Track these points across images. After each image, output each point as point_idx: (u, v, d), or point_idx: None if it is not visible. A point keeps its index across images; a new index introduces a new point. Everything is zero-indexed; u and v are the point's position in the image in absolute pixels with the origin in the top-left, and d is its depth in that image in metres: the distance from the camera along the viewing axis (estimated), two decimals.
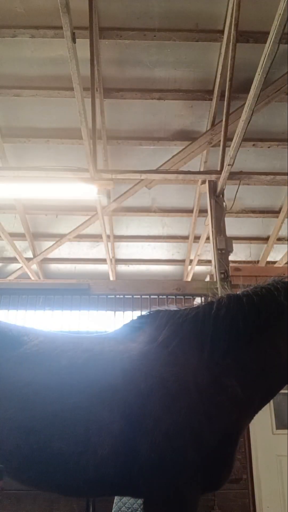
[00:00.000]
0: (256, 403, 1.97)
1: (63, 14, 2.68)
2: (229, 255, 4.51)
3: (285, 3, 2.47)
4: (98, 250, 7.31)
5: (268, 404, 2.09)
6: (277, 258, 7.37)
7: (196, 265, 7.41)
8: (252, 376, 1.92)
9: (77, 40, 2.96)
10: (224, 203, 4.75)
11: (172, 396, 1.81)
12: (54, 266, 7.86)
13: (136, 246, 7.39)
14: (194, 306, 2.17)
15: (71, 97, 4.27)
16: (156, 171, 4.82)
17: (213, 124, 4.93)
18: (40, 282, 5.32)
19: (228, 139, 4.24)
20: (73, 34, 2.84)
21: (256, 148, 5.36)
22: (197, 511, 1.83)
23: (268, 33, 2.77)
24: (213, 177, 4.66)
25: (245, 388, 1.89)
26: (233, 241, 4.68)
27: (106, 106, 4.86)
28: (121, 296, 4.36)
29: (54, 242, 6.80)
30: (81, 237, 6.93)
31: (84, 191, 4.66)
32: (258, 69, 3.04)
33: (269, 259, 7.25)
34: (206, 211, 5.12)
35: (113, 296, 4.33)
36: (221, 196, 4.75)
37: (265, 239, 7.05)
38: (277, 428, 3.97)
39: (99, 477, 1.75)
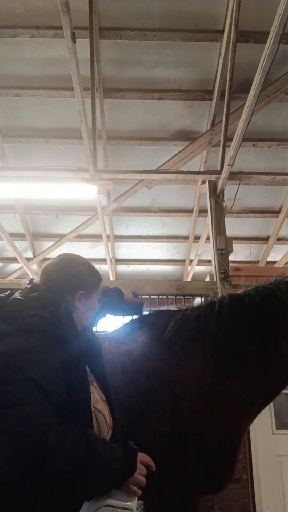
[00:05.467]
0: (258, 404, 1.97)
1: (63, 14, 2.68)
2: (229, 255, 4.51)
3: (285, 3, 2.46)
4: (98, 250, 7.31)
5: (268, 404, 2.09)
6: (277, 258, 7.38)
7: (196, 265, 7.41)
8: (254, 376, 1.91)
9: (77, 40, 2.95)
10: (224, 203, 4.75)
11: (174, 397, 1.81)
12: None
13: (136, 246, 7.39)
14: (196, 306, 2.16)
15: (71, 97, 4.26)
16: (156, 171, 4.82)
17: (213, 124, 4.93)
18: None
19: (228, 139, 4.24)
20: (73, 34, 2.84)
21: (256, 148, 5.36)
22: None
23: (268, 33, 2.76)
24: (213, 177, 4.66)
25: (247, 389, 1.89)
26: (233, 241, 4.67)
27: (106, 106, 4.86)
28: None
29: (54, 242, 6.80)
30: (81, 237, 6.93)
31: (84, 191, 4.66)
32: (258, 69, 3.03)
33: (269, 259, 7.25)
34: (206, 211, 5.11)
35: None
36: (221, 196, 4.75)
37: (265, 239, 7.06)
38: (277, 428, 3.96)
39: None
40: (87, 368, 1.47)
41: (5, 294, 1.42)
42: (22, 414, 1.10)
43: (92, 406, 1.34)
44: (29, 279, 1.55)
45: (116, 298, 2.15)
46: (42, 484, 1.09)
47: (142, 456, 1.28)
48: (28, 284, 1.50)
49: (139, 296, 2.28)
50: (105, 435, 1.40)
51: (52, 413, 1.16)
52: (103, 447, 1.19)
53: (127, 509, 1.18)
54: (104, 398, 1.50)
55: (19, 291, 1.45)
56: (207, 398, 1.82)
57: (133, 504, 1.20)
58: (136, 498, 1.23)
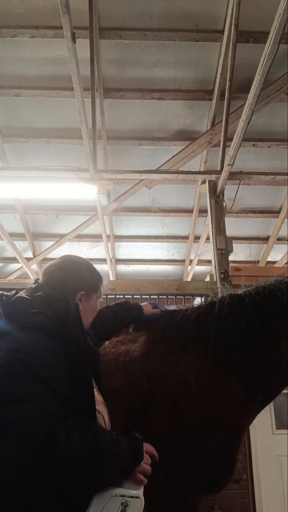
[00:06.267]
0: (258, 404, 1.96)
1: (63, 14, 2.68)
2: (229, 255, 4.51)
3: (285, 3, 2.46)
4: (98, 250, 7.31)
5: (268, 404, 2.09)
6: (277, 258, 7.38)
7: (196, 265, 7.41)
8: (254, 377, 1.91)
9: (77, 40, 2.95)
10: (224, 203, 4.75)
11: (174, 397, 1.81)
12: None
13: (136, 246, 7.39)
14: (196, 306, 2.16)
15: (71, 97, 4.27)
16: (156, 171, 4.82)
17: (213, 124, 4.93)
18: None
19: (228, 139, 4.24)
20: (73, 34, 2.83)
21: (256, 148, 5.36)
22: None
23: (268, 33, 2.76)
24: (213, 177, 4.66)
25: (247, 389, 1.88)
26: (233, 241, 4.67)
27: (106, 106, 4.86)
28: (121, 296, 4.36)
29: (54, 242, 6.80)
30: (81, 237, 6.94)
31: (84, 191, 4.66)
32: (258, 69, 3.03)
33: (269, 259, 7.25)
34: (206, 211, 5.12)
35: (113, 296, 4.33)
36: (221, 196, 4.75)
37: (265, 239, 7.06)
38: (277, 428, 3.96)
39: None
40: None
41: (11, 293, 1.44)
42: (31, 409, 1.11)
43: None
44: (35, 278, 1.56)
45: (135, 313, 2.15)
46: (52, 477, 1.10)
47: (147, 446, 1.32)
48: (34, 283, 1.51)
49: (159, 307, 2.27)
50: None
51: (59, 408, 1.18)
52: (110, 438, 1.21)
53: (136, 497, 1.21)
54: (103, 400, 1.51)
55: (24, 290, 1.47)
56: (207, 398, 1.82)
57: (141, 492, 1.24)
58: (143, 487, 1.26)
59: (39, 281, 1.53)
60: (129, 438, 1.28)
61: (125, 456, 1.22)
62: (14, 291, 1.45)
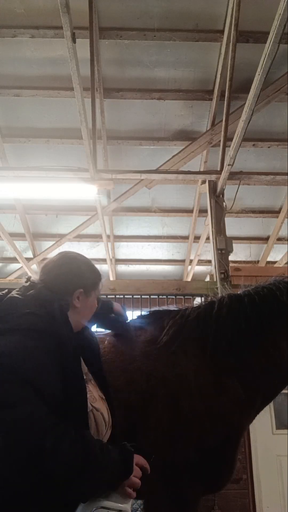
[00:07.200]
0: (258, 404, 1.96)
1: (63, 14, 2.68)
2: (229, 255, 4.51)
3: (285, 3, 2.46)
4: (98, 250, 7.31)
5: (268, 404, 2.09)
6: (277, 258, 7.38)
7: (196, 265, 7.41)
8: (254, 376, 1.91)
9: (77, 40, 2.95)
10: (224, 203, 4.75)
11: (173, 397, 1.81)
12: None
13: (136, 246, 7.40)
14: (195, 306, 2.16)
15: (71, 97, 4.27)
16: (156, 171, 4.82)
17: (213, 124, 4.93)
18: None
19: (228, 139, 4.24)
20: (73, 34, 2.84)
21: (256, 148, 5.37)
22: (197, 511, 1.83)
23: (268, 33, 2.76)
24: (213, 177, 4.66)
25: (247, 389, 1.88)
26: (233, 241, 4.67)
27: (106, 106, 4.86)
28: (121, 296, 4.36)
29: (54, 242, 6.80)
30: (81, 237, 6.94)
31: (84, 191, 4.66)
32: (258, 69, 3.03)
33: (269, 259, 7.26)
34: (206, 211, 5.12)
35: (113, 296, 4.33)
36: (221, 196, 4.75)
37: (265, 239, 7.06)
38: (277, 428, 3.97)
39: None
40: (85, 367, 1.46)
41: (2, 293, 1.40)
42: (16, 417, 1.08)
43: (90, 405, 1.33)
44: (27, 277, 1.52)
45: (106, 310, 2.08)
46: (38, 486, 1.08)
47: (137, 458, 1.27)
48: (26, 282, 1.47)
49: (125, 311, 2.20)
50: (103, 434, 1.39)
51: (48, 414, 1.14)
52: (100, 449, 1.18)
53: (121, 511, 1.17)
54: (103, 396, 1.49)
55: (17, 289, 1.43)
56: (207, 398, 1.82)
57: (128, 506, 1.20)
58: (131, 500, 1.22)
59: (32, 279, 1.50)
60: (119, 449, 1.24)
61: (114, 468, 1.18)
62: (6, 290, 1.41)
